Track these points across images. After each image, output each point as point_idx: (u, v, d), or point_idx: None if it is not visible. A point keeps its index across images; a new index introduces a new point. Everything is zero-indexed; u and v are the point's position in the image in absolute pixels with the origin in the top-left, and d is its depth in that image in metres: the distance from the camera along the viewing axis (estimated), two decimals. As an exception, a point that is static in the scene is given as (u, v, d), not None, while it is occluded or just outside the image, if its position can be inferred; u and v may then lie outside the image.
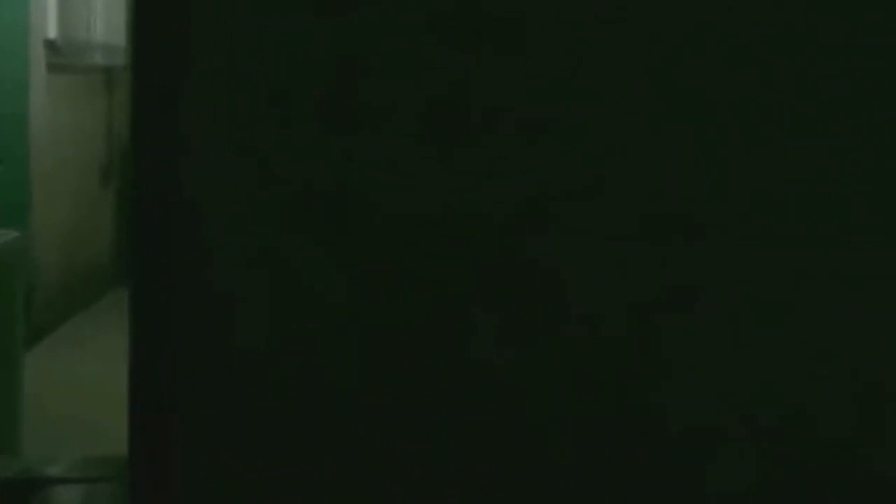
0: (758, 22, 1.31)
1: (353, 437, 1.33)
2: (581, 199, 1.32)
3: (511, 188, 1.32)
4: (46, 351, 6.10)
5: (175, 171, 1.31)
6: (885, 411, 1.34)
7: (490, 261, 1.33)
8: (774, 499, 1.34)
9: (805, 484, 1.34)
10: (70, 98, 6.92)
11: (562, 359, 1.33)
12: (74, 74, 6.98)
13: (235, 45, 1.30)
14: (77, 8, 6.95)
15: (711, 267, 1.33)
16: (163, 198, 1.32)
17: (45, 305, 6.38)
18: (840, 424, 1.34)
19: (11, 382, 4.18)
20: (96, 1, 7.25)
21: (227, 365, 1.33)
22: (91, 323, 6.79)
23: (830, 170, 1.33)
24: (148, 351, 1.33)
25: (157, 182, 1.31)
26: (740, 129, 1.32)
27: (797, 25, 1.32)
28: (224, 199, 1.32)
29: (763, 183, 1.32)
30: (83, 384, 5.54)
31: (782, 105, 1.32)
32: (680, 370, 1.33)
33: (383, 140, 1.32)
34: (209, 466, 1.33)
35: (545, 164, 1.32)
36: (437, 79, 1.31)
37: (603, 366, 1.33)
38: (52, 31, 6.56)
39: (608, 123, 1.32)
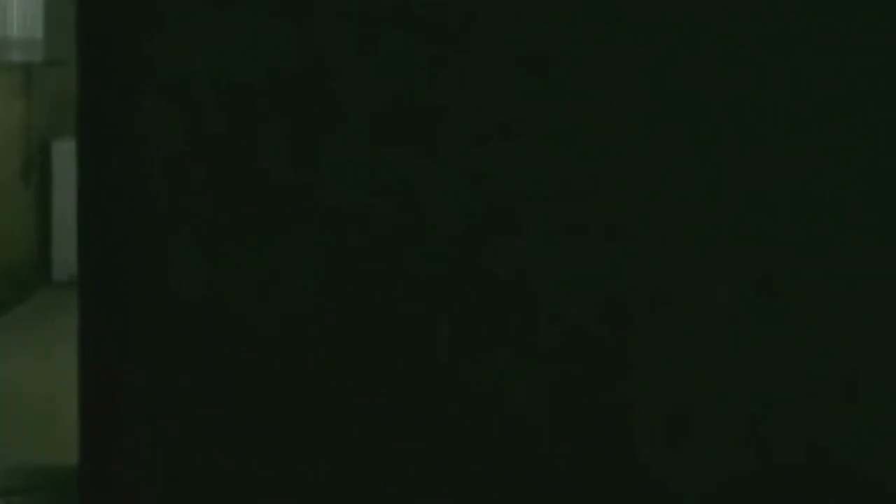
0: (748, 22, 1.30)
1: (316, 443, 1.31)
2: (551, 199, 1.32)
3: (479, 189, 1.31)
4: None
5: (132, 171, 1.29)
6: (871, 411, 1.33)
7: (457, 262, 1.33)
8: (754, 500, 1.35)
9: (788, 484, 1.33)
10: (-13, 96, 6.86)
11: (534, 360, 1.33)
12: (-9, 72, 6.94)
13: (194, 42, 1.28)
14: (-7, 3, 6.88)
15: (688, 267, 1.33)
16: (118, 199, 1.29)
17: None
18: (825, 424, 1.33)
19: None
20: (12, -5, 7.19)
21: (185, 370, 1.31)
22: (6, 330, 6.70)
23: (799, 170, 1.30)
24: (101, 357, 1.31)
25: (112, 184, 1.29)
26: (709, 128, 1.31)
27: (789, 27, 1.30)
28: (183, 200, 1.30)
29: (727, 184, 1.31)
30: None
31: (758, 103, 1.31)
32: (658, 369, 1.32)
33: (350, 140, 1.30)
34: (163, 474, 1.31)
35: (515, 165, 1.31)
36: (402, 77, 1.29)
37: (577, 366, 1.33)
38: (-34, 28, 6.48)
39: (578, 124, 1.31)
